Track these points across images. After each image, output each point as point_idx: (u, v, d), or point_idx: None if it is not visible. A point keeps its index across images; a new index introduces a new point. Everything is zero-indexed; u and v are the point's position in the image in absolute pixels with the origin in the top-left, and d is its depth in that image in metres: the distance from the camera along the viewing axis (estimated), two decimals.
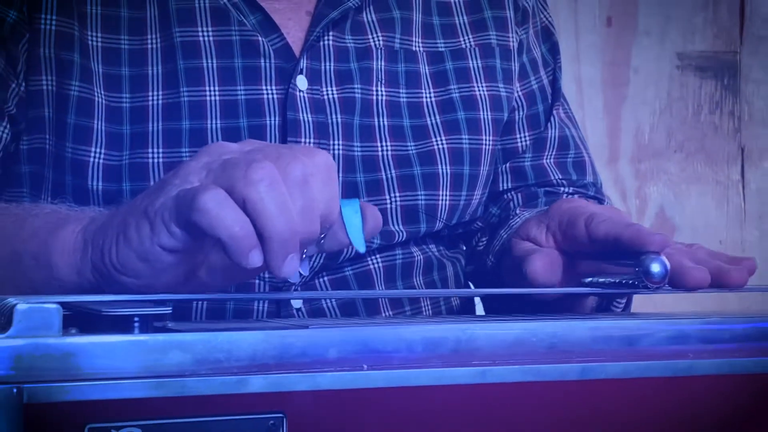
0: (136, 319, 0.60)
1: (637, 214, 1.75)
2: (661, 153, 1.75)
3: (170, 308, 0.62)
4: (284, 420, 0.59)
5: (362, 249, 0.73)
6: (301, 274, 0.71)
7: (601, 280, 0.83)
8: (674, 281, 0.80)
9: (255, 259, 0.67)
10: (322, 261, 1.01)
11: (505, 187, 1.13)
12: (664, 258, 0.78)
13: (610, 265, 0.84)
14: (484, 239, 1.12)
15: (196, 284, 0.73)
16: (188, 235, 0.69)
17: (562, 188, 1.13)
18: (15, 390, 0.55)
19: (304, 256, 0.70)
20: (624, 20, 1.75)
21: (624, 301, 0.97)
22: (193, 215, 0.67)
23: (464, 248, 1.14)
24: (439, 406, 0.63)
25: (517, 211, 1.09)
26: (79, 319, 0.62)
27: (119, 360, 0.58)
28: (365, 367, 0.62)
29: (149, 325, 0.61)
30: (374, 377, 0.61)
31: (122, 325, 0.61)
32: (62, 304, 0.59)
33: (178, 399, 0.58)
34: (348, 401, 0.61)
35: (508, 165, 1.13)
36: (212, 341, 0.60)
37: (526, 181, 1.13)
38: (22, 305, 0.57)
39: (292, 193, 0.68)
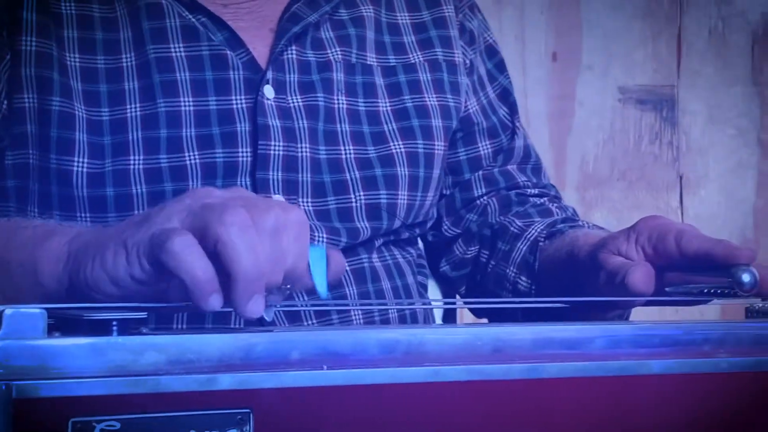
0: (114, 323, 0.65)
1: None
2: (604, 181, 1.79)
3: (145, 314, 0.66)
4: (251, 415, 0.63)
5: (324, 294, 0.75)
6: (265, 320, 0.73)
7: (681, 290, 0.92)
8: (760, 291, 0.88)
9: (214, 303, 0.69)
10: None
11: (479, 194, 1.21)
12: (754, 269, 0.87)
13: (701, 276, 0.92)
14: (473, 248, 1.20)
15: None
16: (155, 271, 0.72)
17: (528, 189, 1.22)
18: (4, 387, 0.59)
19: (268, 303, 0.72)
20: (569, 56, 1.79)
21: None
22: (162, 255, 0.70)
23: (418, 255, 1.20)
24: (392, 403, 0.67)
25: (539, 228, 1.15)
26: (62, 325, 0.66)
27: (99, 360, 0.62)
28: (325, 367, 0.65)
29: (127, 328, 0.66)
30: (333, 376, 0.65)
31: (102, 328, 0.65)
32: (47, 309, 0.63)
33: (153, 395, 0.62)
34: (309, 398, 0.65)
35: (479, 173, 1.21)
36: (184, 343, 0.64)
37: (497, 186, 1.21)
38: (8, 310, 0.61)
39: (262, 240, 0.71)
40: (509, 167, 1.22)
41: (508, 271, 1.15)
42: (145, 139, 1.03)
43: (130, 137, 1.03)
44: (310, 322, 1.07)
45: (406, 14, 1.19)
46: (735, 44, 1.79)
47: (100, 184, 1.02)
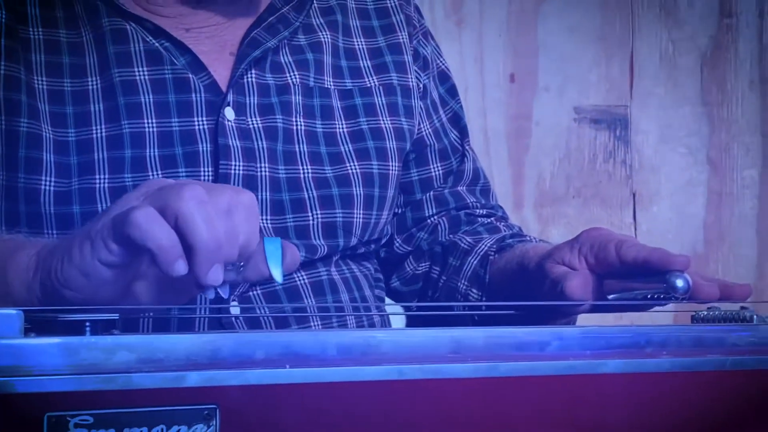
0: (87, 323, 0.68)
1: None
2: (560, 198, 1.80)
3: (117, 315, 0.70)
4: (217, 411, 0.66)
5: (280, 280, 0.81)
6: (220, 295, 0.78)
7: (622, 296, 0.96)
8: (693, 296, 0.93)
9: (180, 267, 0.74)
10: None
11: (430, 213, 1.24)
12: (687, 275, 0.91)
13: (639, 283, 0.96)
14: (424, 264, 1.23)
15: (133, 302, 0.82)
16: (124, 249, 0.76)
17: (477, 210, 1.25)
18: None
19: (224, 282, 0.76)
20: (526, 77, 1.81)
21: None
22: (127, 229, 0.74)
23: (375, 269, 1.23)
24: (350, 400, 0.70)
25: (488, 243, 1.19)
26: (37, 327, 0.69)
27: (73, 358, 0.64)
28: (287, 366, 0.69)
29: (99, 329, 0.69)
30: (295, 374, 0.68)
31: (76, 329, 0.69)
32: (23, 311, 0.67)
33: (124, 392, 0.64)
34: (272, 395, 0.68)
35: (430, 194, 1.24)
36: (154, 343, 0.66)
37: (447, 206, 1.24)
38: None
39: (218, 215, 0.76)
40: (459, 188, 1.25)
41: (459, 284, 1.19)
42: (111, 159, 1.06)
43: (96, 157, 1.06)
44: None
45: (363, 40, 1.22)
46: (685, 66, 1.82)
47: (67, 203, 1.05)
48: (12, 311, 0.66)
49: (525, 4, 1.81)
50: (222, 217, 0.77)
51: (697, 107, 1.83)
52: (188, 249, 0.75)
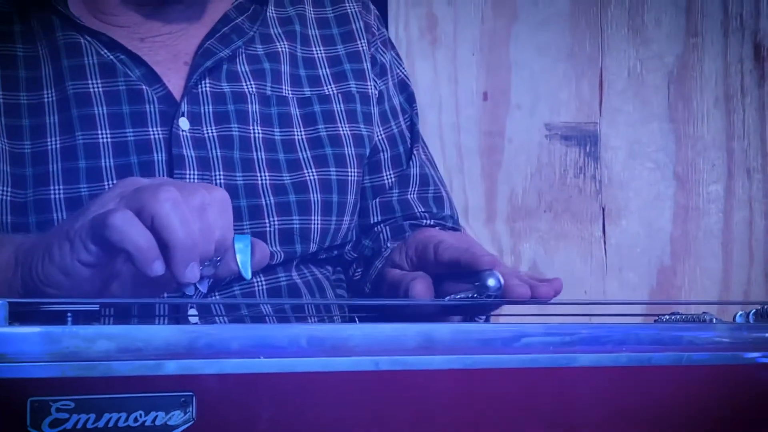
0: (69, 313, 0.71)
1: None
2: (532, 213, 1.81)
3: (97, 306, 0.73)
4: (193, 398, 0.68)
5: (248, 276, 0.84)
6: (198, 290, 0.81)
7: (459, 296, 0.97)
8: (504, 294, 0.94)
9: (157, 268, 0.77)
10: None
11: (375, 220, 1.24)
12: (498, 274, 0.93)
13: (457, 283, 0.98)
14: (359, 270, 1.23)
15: (111, 296, 0.84)
16: (102, 250, 0.78)
17: (424, 220, 1.25)
18: None
19: (201, 275, 0.80)
20: (498, 95, 1.82)
21: (483, 317, 1.10)
22: (105, 232, 0.77)
23: (335, 270, 1.24)
24: (320, 390, 0.73)
25: (388, 244, 1.21)
26: (20, 317, 0.72)
27: (55, 346, 0.67)
28: (261, 357, 0.71)
29: (80, 319, 0.72)
30: (268, 364, 0.71)
31: (58, 318, 0.71)
32: (8, 302, 0.69)
33: (105, 379, 0.67)
34: (247, 383, 0.70)
35: (377, 200, 1.24)
36: (133, 333, 0.69)
37: (393, 214, 1.25)
38: None
39: (192, 214, 0.78)
40: (409, 196, 1.25)
41: (365, 287, 1.19)
42: (65, 170, 1.07)
43: (51, 168, 1.07)
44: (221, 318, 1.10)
45: (322, 48, 1.23)
46: (652, 84, 1.84)
47: (23, 213, 1.06)
48: None
49: (497, 23, 1.83)
50: (196, 215, 0.79)
51: (665, 123, 1.84)
52: (165, 248, 0.77)
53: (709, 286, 1.83)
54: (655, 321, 0.94)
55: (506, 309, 1.02)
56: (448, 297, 0.97)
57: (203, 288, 0.82)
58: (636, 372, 0.82)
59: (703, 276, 1.84)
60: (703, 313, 0.94)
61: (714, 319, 0.92)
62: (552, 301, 0.97)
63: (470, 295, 0.95)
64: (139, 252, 0.77)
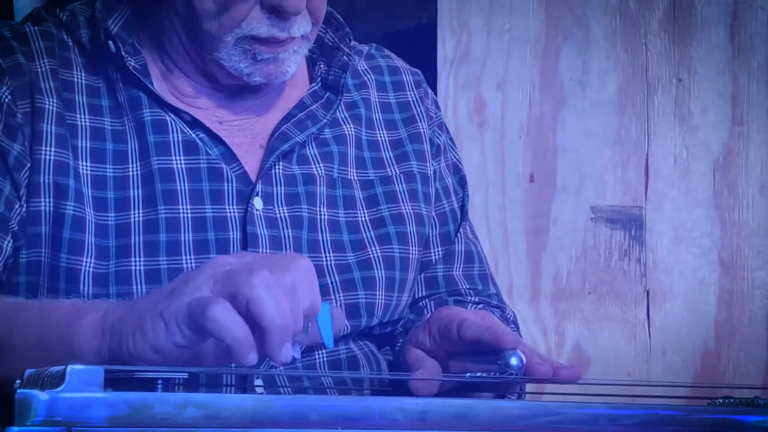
0: (159, 381, 0.74)
1: (556, 349, 1.82)
2: (577, 294, 1.83)
3: (186, 374, 0.76)
4: None
5: (331, 345, 0.88)
6: (294, 358, 0.84)
7: (479, 374, 0.99)
8: (526, 372, 0.96)
9: (252, 359, 0.81)
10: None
11: (420, 295, 1.27)
12: (520, 353, 0.96)
13: (479, 362, 1.00)
14: (401, 341, 1.24)
15: (196, 365, 0.87)
16: (196, 335, 0.82)
17: (469, 297, 1.27)
18: (65, 429, 0.68)
19: (295, 342, 0.84)
20: (545, 177, 1.86)
21: (516, 392, 1.11)
22: (204, 322, 0.80)
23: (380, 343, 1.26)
24: None
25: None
26: (113, 384, 0.75)
27: (148, 412, 0.70)
28: (339, 428, 0.75)
29: (170, 386, 0.75)
30: None
31: (148, 385, 0.74)
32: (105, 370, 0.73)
33: None
34: None
35: (423, 275, 1.27)
36: (220, 402, 0.72)
37: (438, 290, 1.27)
38: (74, 366, 0.71)
39: (285, 295, 0.82)
40: (454, 272, 1.28)
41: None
42: (146, 243, 1.10)
43: (133, 240, 1.10)
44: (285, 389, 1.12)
45: (385, 132, 1.27)
46: (698, 170, 1.87)
47: (104, 284, 1.09)
48: (94, 368, 0.71)
49: (545, 108, 1.87)
50: (288, 296, 0.82)
51: (710, 210, 1.87)
52: (260, 331, 0.81)
53: (753, 371, 1.83)
54: (708, 404, 0.95)
55: (549, 388, 1.04)
56: (468, 374, 0.99)
57: (297, 354, 0.85)
58: None
59: (747, 361, 1.84)
60: (755, 397, 0.95)
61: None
62: (601, 382, 0.99)
63: (492, 374, 0.97)
64: (236, 344, 0.81)
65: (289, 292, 0.83)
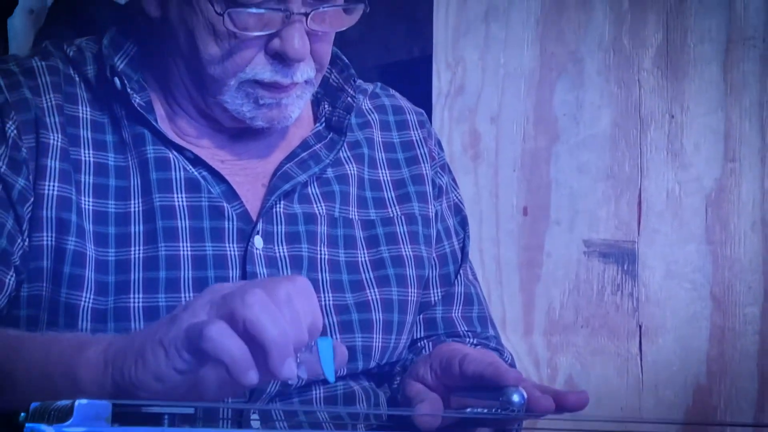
0: (165, 416, 0.75)
1: (549, 382, 1.82)
2: (569, 327, 1.84)
3: (192, 409, 0.76)
4: None
5: (332, 379, 0.88)
6: (300, 378, 0.84)
7: (478, 410, 0.99)
8: (528, 407, 0.97)
9: (252, 378, 0.81)
10: (277, 388, 1.13)
11: (419, 336, 1.27)
12: (522, 390, 0.96)
13: (480, 398, 1.01)
14: (398, 379, 1.25)
15: (197, 394, 0.88)
16: (196, 359, 0.83)
17: (467, 339, 1.27)
18: None
19: (299, 361, 0.83)
20: (538, 211, 1.87)
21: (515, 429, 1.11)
22: (201, 343, 0.81)
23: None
24: None
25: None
26: (120, 418, 0.75)
27: None
28: None
29: (175, 421, 0.75)
30: None
31: (155, 420, 0.75)
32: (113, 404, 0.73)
33: None
34: None
35: (421, 316, 1.27)
36: None
37: (436, 331, 1.27)
38: (81, 400, 0.72)
39: (280, 309, 0.82)
40: (453, 315, 1.28)
41: (398, 397, 1.20)
42: (146, 280, 1.11)
43: (132, 277, 1.10)
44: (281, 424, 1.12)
45: (387, 171, 1.27)
46: (690, 206, 1.88)
47: (103, 319, 1.09)
48: (102, 402, 0.72)
49: (539, 142, 1.88)
50: (285, 308, 0.83)
51: (702, 245, 1.88)
52: (261, 349, 0.81)
53: (745, 406, 1.84)
54: None
55: (545, 423, 1.04)
56: (469, 409, 1.00)
57: (303, 374, 0.85)
58: None
59: (738, 396, 1.85)
60: None
61: None
62: (594, 419, 1.00)
63: (493, 410, 0.97)
64: (234, 363, 0.81)
65: (284, 303, 0.83)
